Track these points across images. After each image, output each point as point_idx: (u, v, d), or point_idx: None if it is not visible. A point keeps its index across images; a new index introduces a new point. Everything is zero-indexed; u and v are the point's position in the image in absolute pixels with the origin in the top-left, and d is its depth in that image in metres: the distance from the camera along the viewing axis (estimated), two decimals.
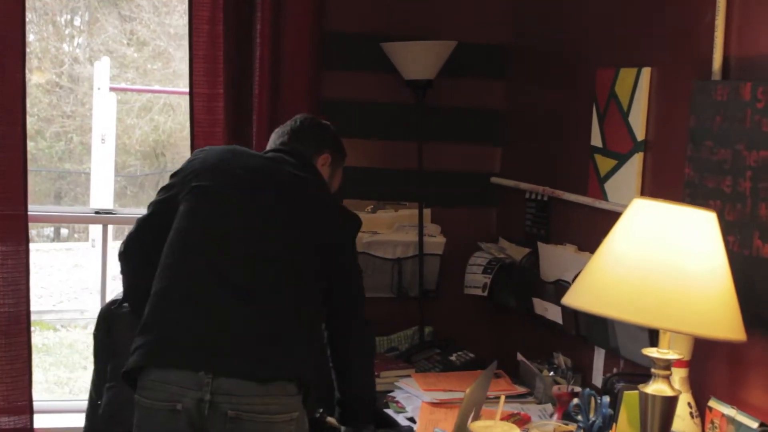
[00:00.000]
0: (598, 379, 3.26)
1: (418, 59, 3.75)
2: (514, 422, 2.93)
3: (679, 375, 2.58)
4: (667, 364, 2.33)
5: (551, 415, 3.15)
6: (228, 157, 2.84)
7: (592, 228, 3.30)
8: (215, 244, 2.69)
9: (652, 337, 2.75)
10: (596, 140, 3.29)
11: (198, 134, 3.65)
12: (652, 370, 2.34)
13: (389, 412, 3.28)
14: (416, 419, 3.15)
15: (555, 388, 3.12)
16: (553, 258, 3.46)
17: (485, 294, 3.78)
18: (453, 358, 3.70)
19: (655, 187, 2.98)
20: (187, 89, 3.72)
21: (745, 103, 2.50)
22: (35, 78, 9.96)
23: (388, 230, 3.93)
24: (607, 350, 3.18)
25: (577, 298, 2.34)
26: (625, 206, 3.02)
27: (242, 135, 3.69)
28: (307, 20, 3.74)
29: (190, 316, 2.60)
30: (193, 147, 3.63)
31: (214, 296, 2.61)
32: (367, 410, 3.04)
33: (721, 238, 2.27)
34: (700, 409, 2.60)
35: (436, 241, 3.98)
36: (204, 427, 2.52)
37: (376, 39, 3.83)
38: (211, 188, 2.75)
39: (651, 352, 2.34)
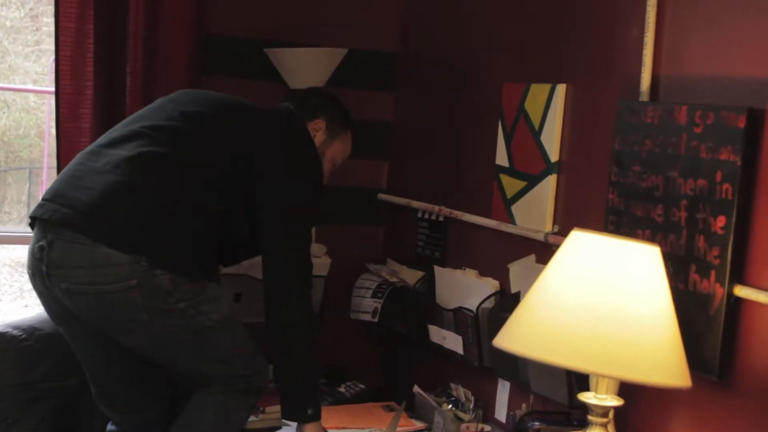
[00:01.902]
0: (501, 414, 3.07)
1: (306, 67, 3.48)
2: None
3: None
4: (606, 411, 2.14)
5: None
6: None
7: (496, 252, 3.11)
8: (126, 125, 2.72)
9: (570, 373, 2.57)
10: (502, 159, 3.09)
11: (64, 139, 3.29)
12: (589, 417, 2.15)
13: None
14: None
15: (463, 426, 2.91)
16: (452, 283, 3.25)
17: (375, 320, 3.53)
18: (342, 389, 3.45)
19: (571, 212, 2.80)
20: (44, 87, 3.35)
21: (681, 127, 2.34)
22: None
23: None
24: (515, 384, 2.98)
25: (513, 341, 2.12)
26: (534, 230, 2.88)
27: None
28: (185, 22, 3.42)
29: (66, 175, 2.63)
30: (59, 156, 3.28)
31: (93, 159, 2.60)
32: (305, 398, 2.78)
33: (665, 275, 2.10)
34: None
35: (321, 262, 3.69)
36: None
37: (260, 44, 3.54)
38: (167, 99, 2.83)
39: (588, 398, 2.15)
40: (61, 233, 2.50)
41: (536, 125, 2.93)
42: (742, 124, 2.16)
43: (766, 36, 2.19)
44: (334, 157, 3.01)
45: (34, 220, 2.60)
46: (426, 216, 3.55)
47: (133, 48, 3.33)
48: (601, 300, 2.04)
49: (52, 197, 2.58)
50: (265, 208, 2.71)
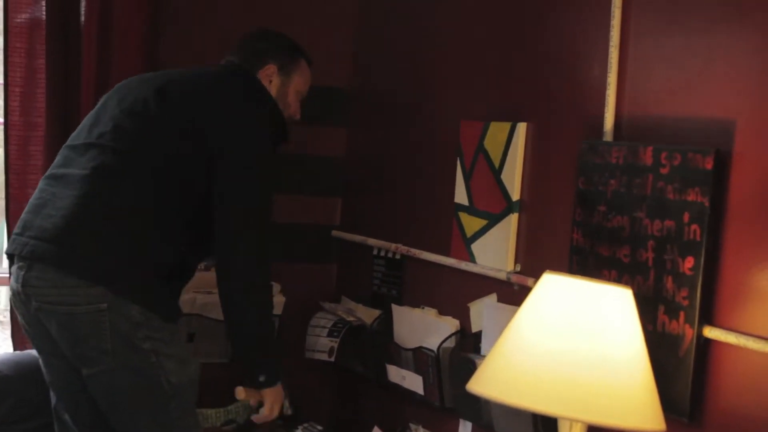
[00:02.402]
0: None
1: None
2: None
3: None
4: None
5: None
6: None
7: (456, 291, 3.09)
8: (77, 136, 2.68)
9: (536, 414, 2.54)
10: (461, 197, 3.07)
11: (13, 177, 3.24)
12: None
13: None
14: None
15: None
16: (411, 322, 3.22)
17: (332, 359, 3.47)
18: (299, 431, 3.37)
19: (534, 251, 2.79)
20: None
21: (646, 167, 2.34)
22: None
23: None
24: (477, 424, 2.95)
25: (488, 386, 2.09)
26: (495, 269, 2.87)
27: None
28: (137, 54, 3.38)
29: (31, 205, 2.62)
30: (8, 194, 3.22)
31: (53, 184, 2.60)
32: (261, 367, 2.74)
33: (638, 318, 2.09)
34: None
35: (274, 301, 3.63)
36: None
37: None
38: (109, 96, 2.77)
39: None
40: (33, 266, 2.51)
41: (496, 163, 2.91)
42: (709, 166, 2.17)
43: (730, 78, 2.20)
44: (298, 91, 2.99)
45: (10, 256, 2.62)
46: (382, 253, 3.51)
47: (86, 80, 3.26)
48: (574, 345, 2.02)
49: (21, 230, 2.58)
50: (221, 183, 2.64)
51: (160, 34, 3.50)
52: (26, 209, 2.64)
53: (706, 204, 2.18)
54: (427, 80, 3.36)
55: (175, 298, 2.69)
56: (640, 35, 2.45)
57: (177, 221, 2.61)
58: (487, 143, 2.96)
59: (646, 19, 2.44)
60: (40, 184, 2.67)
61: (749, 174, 2.13)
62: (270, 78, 2.90)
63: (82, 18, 3.32)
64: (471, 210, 3.03)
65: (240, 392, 2.78)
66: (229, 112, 2.69)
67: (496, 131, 2.92)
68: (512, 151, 2.85)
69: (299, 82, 2.98)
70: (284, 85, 2.93)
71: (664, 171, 2.30)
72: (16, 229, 2.61)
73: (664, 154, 2.30)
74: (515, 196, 2.84)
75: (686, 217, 2.23)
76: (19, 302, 2.59)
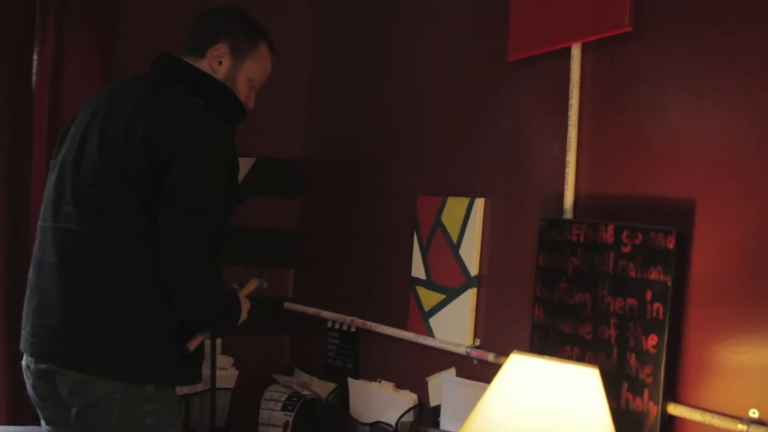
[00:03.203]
0: None
1: None
2: None
3: None
4: None
5: None
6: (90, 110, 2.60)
7: (414, 365, 3.08)
8: (45, 216, 2.57)
9: None
10: (418, 272, 3.08)
11: None
12: None
13: None
14: None
15: None
16: (367, 396, 3.20)
17: None
18: None
19: (494, 326, 2.80)
20: None
21: (608, 245, 2.38)
22: None
23: None
24: None
25: None
26: (454, 344, 2.87)
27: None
28: None
29: (26, 296, 2.57)
30: None
31: (36, 272, 2.54)
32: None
33: (605, 398, 2.10)
34: None
35: (227, 374, 3.60)
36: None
37: None
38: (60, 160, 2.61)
39: None
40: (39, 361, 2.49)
41: (454, 238, 2.93)
42: (671, 245, 2.21)
43: (689, 158, 2.25)
44: (250, 78, 2.69)
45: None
46: (336, 326, 3.50)
47: (37, 143, 3.24)
48: (543, 426, 2.02)
49: (27, 328, 2.54)
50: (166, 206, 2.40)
51: None
52: (26, 304, 2.58)
53: (669, 283, 2.21)
54: (384, 154, 3.38)
55: (196, 358, 2.57)
56: (598, 114, 2.50)
57: (154, 282, 2.44)
58: (445, 218, 2.98)
59: (603, 98, 2.48)
60: (30, 273, 2.59)
61: (710, 253, 2.17)
62: (219, 58, 2.63)
63: (34, 79, 3.31)
64: (429, 284, 3.03)
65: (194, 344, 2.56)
66: (176, 154, 2.39)
67: (454, 206, 2.94)
68: (470, 226, 2.87)
69: (253, 67, 2.69)
70: (234, 68, 2.65)
71: (625, 249, 2.33)
72: (23, 325, 2.57)
73: (625, 233, 2.33)
74: (474, 271, 2.86)
75: (649, 295, 2.26)
76: (30, 373, 2.52)
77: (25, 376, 2.57)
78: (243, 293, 2.76)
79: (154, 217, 2.40)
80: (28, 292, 2.57)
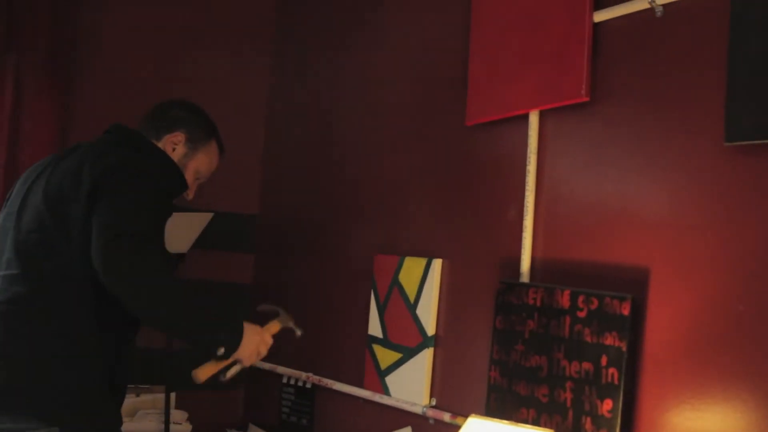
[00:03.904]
0: None
1: (175, 230, 3.41)
2: None
3: None
4: None
5: None
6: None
7: (369, 423, 3.10)
8: None
9: None
10: (375, 330, 3.10)
11: None
12: None
13: None
14: None
15: None
16: None
17: None
18: None
19: (450, 386, 2.83)
20: None
21: (564, 310, 2.42)
22: None
23: (129, 419, 3.48)
24: None
25: None
26: (410, 403, 2.89)
27: None
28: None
29: None
30: None
31: None
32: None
33: None
34: None
35: (181, 429, 3.58)
36: None
37: None
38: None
39: None
40: None
41: (411, 298, 2.96)
42: (626, 312, 2.26)
43: (643, 226, 2.30)
44: (197, 170, 2.77)
45: None
46: (292, 382, 3.50)
47: None
48: None
49: None
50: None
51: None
52: None
53: (624, 348, 2.26)
54: (341, 212, 3.41)
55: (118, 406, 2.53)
56: (555, 180, 2.55)
57: (88, 323, 2.44)
58: (402, 277, 3.01)
59: (561, 165, 2.54)
60: None
61: (663, 320, 2.22)
62: (174, 145, 2.72)
63: None
64: (385, 343, 3.05)
65: (201, 373, 2.46)
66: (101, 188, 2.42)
67: (411, 266, 2.98)
68: (428, 286, 2.91)
69: (202, 160, 2.78)
70: (186, 157, 2.73)
71: (581, 314, 2.38)
72: None
73: (581, 298, 2.38)
74: (431, 330, 2.88)
75: (604, 360, 2.30)
76: None
77: None
78: (258, 328, 2.58)
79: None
80: None
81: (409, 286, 2.97)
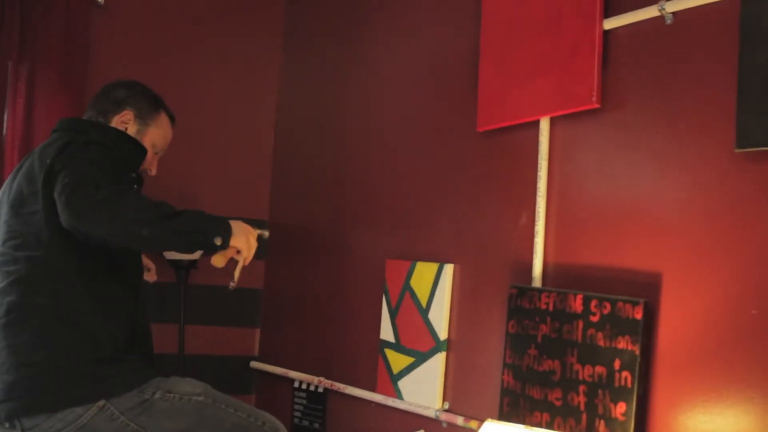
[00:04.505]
0: None
1: None
2: None
3: None
4: None
5: None
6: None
7: (382, 426, 3.12)
8: None
9: None
10: (387, 334, 3.13)
11: None
12: None
13: None
14: None
15: None
16: None
17: None
18: None
19: (463, 389, 2.85)
20: None
21: (576, 314, 2.45)
22: None
23: None
24: None
25: None
26: (423, 407, 2.91)
27: None
28: None
29: None
30: None
31: None
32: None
33: None
34: None
35: None
36: None
37: None
38: None
39: None
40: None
41: (423, 303, 2.99)
42: (639, 316, 2.29)
43: (655, 231, 2.33)
44: (153, 144, 2.83)
45: None
46: (304, 386, 3.52)
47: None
48: None
49: None
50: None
51: None
52: None
53: (637, 352, 2.28)
54: (352, 217, 3.44)
55: (139, 362, 2.60)
56: (566, 185, 2.58)
57: (82, 307, 2.51)
58: (414, 282, 3.03)
59: (572, 170, 2.57)
60: None
61: (676, 323, 2.25)
62: (126, 124, 2.77)
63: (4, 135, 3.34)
64: (397, 347, 3.08)
65: (217, 260, 2.53)
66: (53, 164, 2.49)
67: (423, 271, 3.00)
68: (440, 291, 2.93)
69: (156, 134, 2.84)
70: (139, 134, 2.79)
71: (594, 318, 2.41)
72: None
73: (594, 302, 2.41)
74: (443, 335, 2.91)
75: (617, 363, 2.33)
76: None
77: None
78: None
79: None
80: None
81: (421, 291, 3.00)
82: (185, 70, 3.84)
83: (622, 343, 2.33)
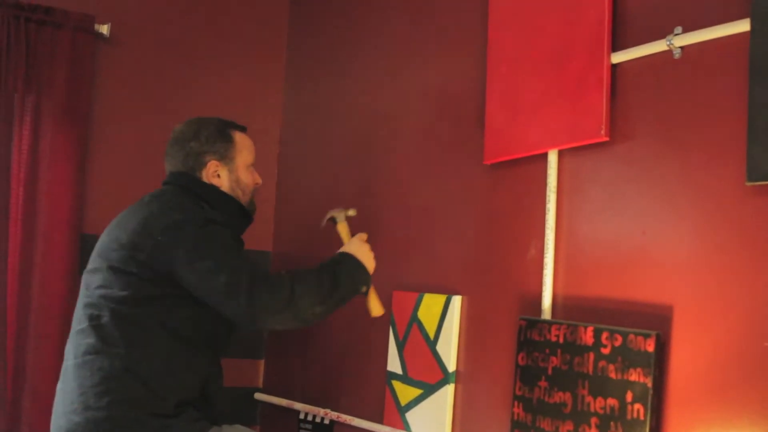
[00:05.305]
0: None
1: None
2: None
3: None
4: None
5: None
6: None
7: None
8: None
9: None
10: (394, 366, 3.13)
11: None
12: None
13: None
14: None
15: None
16: None
17: None
18: None
19: (473, 422, 2.85)
20: None
21: (587, 347, 2.45)
22: None
23: None
24: None
25: None
26: None
27: None
28: (62, 220, 3.40)
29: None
30: None
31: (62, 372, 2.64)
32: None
33: None
34: None
35: None
36: None
37: None
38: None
39: None
40: None
41: (431, 334, 2.99)
42: (651, 348, 2.29)
43: (665, 264, 2.34)
44: (247, 165, 2.88)
45: None
46: (309, 418, 3.51)
47: (12, 247, 3.26)
48: None
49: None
50: (193, 289, 2.57)
51: (87, 208, 3.55)
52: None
53: (649, 384, 2.28)
54: None
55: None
56: (575, 218, 2.59)
57: (155, 365, 2.57)
58: (421, 314, 3.04)
59: (580, 202, 2.58)
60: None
61: (688, 356, 2.25)
62: (216, 173, 2.82)
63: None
64: (405, 379, 3.08)
65: (377, 309, 2.85)
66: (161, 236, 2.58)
67: (431, 303, 3.01)
68: (448, 322, 2.94)
69: (242, 157, 2.87)
70: (232, 172, 2.84)
71: (605, 351, 2.41)
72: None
73: (605, 335, 2.41)
74: (451, 367, 2.91)
75: (629, 396, 2.33)
76: None
77: None
78: (347, 242, 2.89)
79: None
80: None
81: (429, 323, 3.00)
82: (190, 103, 3.86)
83: (634, 376, 2.33)
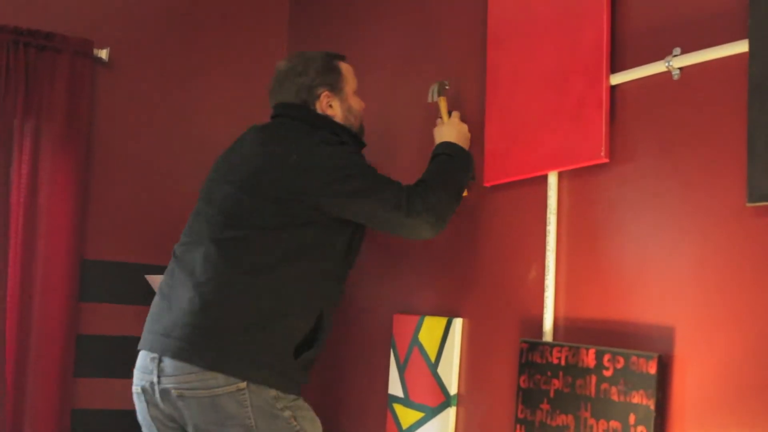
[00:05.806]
0: None
1: None
2: None
3: None
4: None
5: None
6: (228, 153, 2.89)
7: None
8: (189, 231, 2.79)
9: None
10: (395, 389, 3.12)
11: None
12: None
13: None
14: None
15: None
16: None
17: None
18: None
19: None
20: None
21: (589, 369, 2.44)
22: None
23: None
24: None
25: None
26: None
27: None
28: (63, 245, 3.39)
29: (157, 300, 2.72)
30: None
31: (177, 280, 2.67)
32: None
33: None
34: None
35: None
36: (161, 405, 2.60)
37: (139, 270, 3.50)
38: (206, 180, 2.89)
39: None
40: (164, 360, 2.58)
41: (432, 357, 2.98)
42: (653, 370, 2.28)
43: (666, 285, 2.33)
44: (353, 92, 3.00)
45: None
46: None
47: (12, 273, 3.25)
48: None
49: (151, 325, 2.68)
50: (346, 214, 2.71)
51: (88, 233, 3.54)
52: (155, 299, 2.73)
53: (652, 407, 2.27)
54: (358, 271, 3.43)
55: (307, 370, 2.74)
56: (576, 239, 2.59)
57: (297, 287, 2.65)
58: (422, 337, 3.03)
59: (581, 224, 2.58)
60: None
61: (690, 378, 2.24)
62: (330, 103, 2.93)
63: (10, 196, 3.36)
64: (406, 402, 3.07)
65: None
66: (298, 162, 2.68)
67: (432, 326, 3.00)
68: (449, 345, 2.93)
69: (351, 85, 3.00)
70: (344, 101, 2.96)
71: (607, 373, 2.40)
72: (147, 324, 2.69)
73: (607, 357, 2.40)
74: (453, 390, 2.90)
75: (632, 418, 2.32)
76: (150, 395, 2.62)
77: (137, 402, 2.66)
78: (446, 121, 2.96)
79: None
80: (160, 294, 2.73)
81: (430, 346, 2.99)
82: (189, 126, 3.86)
83: (637, 398, 2.32)
